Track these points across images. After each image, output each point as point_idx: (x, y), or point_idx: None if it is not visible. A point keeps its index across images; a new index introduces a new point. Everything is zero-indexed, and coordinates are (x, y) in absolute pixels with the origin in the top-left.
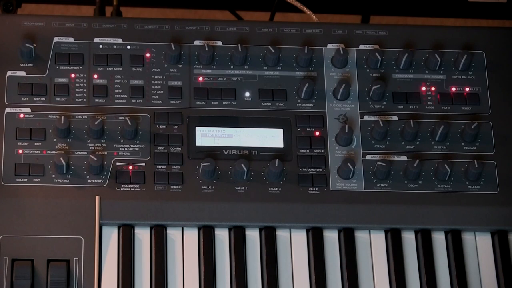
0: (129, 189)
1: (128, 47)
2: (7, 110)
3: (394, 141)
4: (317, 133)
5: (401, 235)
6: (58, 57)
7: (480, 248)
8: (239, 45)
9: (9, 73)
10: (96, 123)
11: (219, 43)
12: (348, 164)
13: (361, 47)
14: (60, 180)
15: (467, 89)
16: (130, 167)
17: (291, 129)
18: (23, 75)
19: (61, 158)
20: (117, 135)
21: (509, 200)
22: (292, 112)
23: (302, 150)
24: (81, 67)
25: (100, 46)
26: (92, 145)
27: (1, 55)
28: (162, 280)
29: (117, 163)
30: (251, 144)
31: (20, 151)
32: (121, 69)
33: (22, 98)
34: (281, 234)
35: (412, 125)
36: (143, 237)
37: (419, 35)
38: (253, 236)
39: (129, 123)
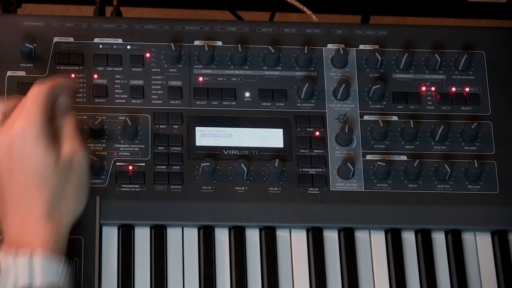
0: (129, 189)
1: (128, 47)
2: None
3: (394, 141)
4: (317, 133)
5: (401, 235)
6: (58, 57)
7: (480, 248)
8: (239, 45)
9: (9, 73)
10: (96, 123)
11: (219, 43)
12: (348, 164)
13: (361, 47)
14: None
15: (467, 89)
16: (130, 167)
17: (291, 129)
18: (23, 75)
19: None
20: (117, 135)
21: (509, 200)
22: (292, 112)
23: (302, 150)
24: (81, 67)
25: (100, 46)
26: (92, 145)
27: (1, 55)
28: (162, 280)
29: (117, 163)
30: (251, 144)
31: None
32: (121, 69)
33: None
34: (281, 234)
35: (412, 125)
36: (143, 237)
37: (419, 35)
38: (253, 236)
39: (129, 123)
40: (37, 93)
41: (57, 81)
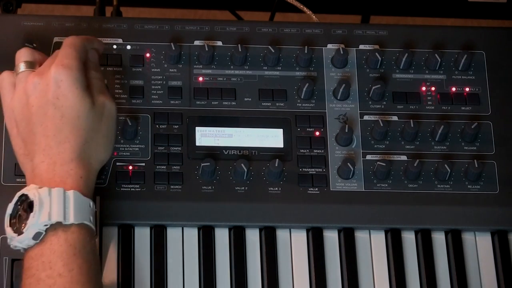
0: (129, 189)
1: (128, 47)
2: None
3: (394, 141)
4: (317, 133)
5: (401, 235)
6: None
7: (480, 248)
8: (239, 45)
9: None
10: None
11: (219, 43)
12: (348, 164)
13: (361, 47)
14: None
15: (467, 89)
16: (130, 167)
17: (291, 129)
18: None
19: None
20: (117, 135)
21: (509, 200)
22: (292, 112)
23: (302, 150)
24: None
25: None
26: None
27: (1, 55)
28: (162, 280)
29: (117, 163)
30: (251, 144)
31: None
32: (121, 69)
33: None
34: (281, 234)
35: (412, 125)
36: (143, 237)
37: (419, 35)
38: (253, 236)
39: (129, 123)
40: (72, 42)
41: (89, 36)
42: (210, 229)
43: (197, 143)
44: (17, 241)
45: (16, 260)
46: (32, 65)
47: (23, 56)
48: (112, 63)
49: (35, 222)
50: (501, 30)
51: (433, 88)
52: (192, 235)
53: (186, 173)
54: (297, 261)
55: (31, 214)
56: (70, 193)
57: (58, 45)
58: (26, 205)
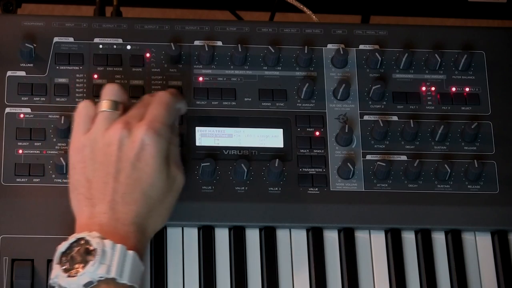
0: None
1: (128, 47)
2: (7, 110)
3: (394, 141)
4: (317, 133)
5: (401, 235)
6: (58, 57)
7: (480, 248)
8: (239, 45)
9: (9, 73)
10: None
11: (219, 43)
12: (348, 164)
13: (361, 47)
14: (60, 180)
15: (467, 89)
16: None
17: (291, 129)
18: (23, 75)
19: (61, 158)
20: None
21: (509, 200)
22: (292, 112)
23: (302, 150)
24: (81, 67)
25: (100, 46)
26: None
27: (1, 55)
28: (162, 280)
29: None
30: (251, 144)
31: (20, 151)
32: (121, 69)
33: (22, 98)
34: (281, 234)
35: (412, 125)
36: None
37: (419, 35)
38: (253, 236)
39: None
40: (168, 102)
41: (179, 96)
42: (210, 229)
43: (197, 143)
44: (64, 282)
45: (16, 260)
46: (116, 106)
47: (110, 93)
48: (112, 63)
49: (93, 271)
50: (501, 30)
51: (433, 88)
52: (192, 235)
53: (186, 173)
54: (297, 261)
55: (91, 263)
56: (131, 254)
57: (58, 45)
58: (83, 249)
